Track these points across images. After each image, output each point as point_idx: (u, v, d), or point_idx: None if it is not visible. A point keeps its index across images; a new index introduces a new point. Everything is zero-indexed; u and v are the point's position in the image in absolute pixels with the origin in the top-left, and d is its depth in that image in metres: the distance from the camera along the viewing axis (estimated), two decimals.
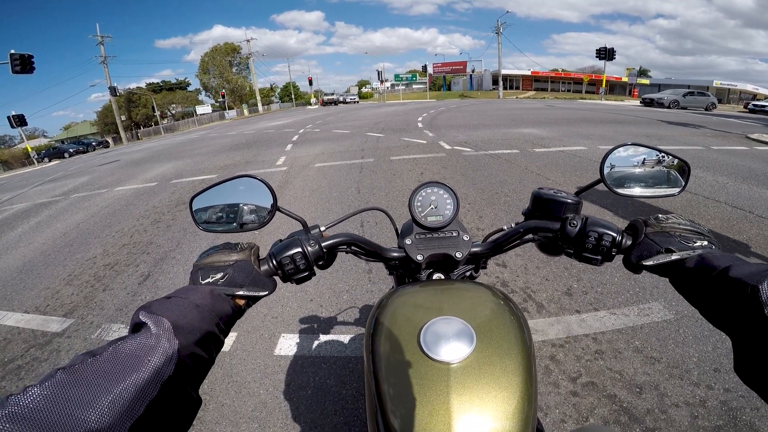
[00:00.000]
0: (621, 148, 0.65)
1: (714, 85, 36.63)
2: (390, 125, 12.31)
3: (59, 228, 4.98)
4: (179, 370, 0.36)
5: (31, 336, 2.45)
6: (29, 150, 22.45)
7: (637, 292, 2.32)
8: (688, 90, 23.32)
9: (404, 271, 0.76)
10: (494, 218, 3.71)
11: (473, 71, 52.34)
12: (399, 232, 0.76)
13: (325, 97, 52.89)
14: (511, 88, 50.00)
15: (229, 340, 2.14)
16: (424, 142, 8.47)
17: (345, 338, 2.08)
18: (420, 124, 11.95)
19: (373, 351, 0.52)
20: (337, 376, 1.82)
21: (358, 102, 43.35)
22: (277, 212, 0.64)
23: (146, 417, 0.32)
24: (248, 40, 49.16)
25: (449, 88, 56.13)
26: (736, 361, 0.39)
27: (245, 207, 0.66)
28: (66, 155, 23.80)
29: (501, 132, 9.31)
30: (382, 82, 46.83)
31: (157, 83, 56.64)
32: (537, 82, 51.36)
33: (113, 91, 32.89)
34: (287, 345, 2.07)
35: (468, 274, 0.77)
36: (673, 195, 0.66)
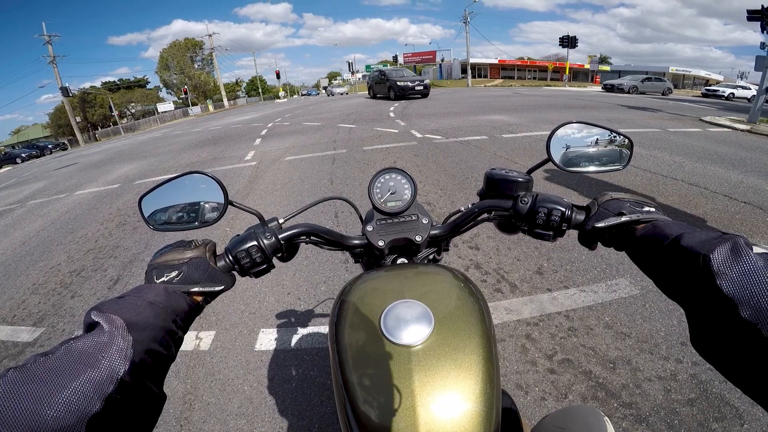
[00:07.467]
0: (564, 128, 0.69)
1: (670, 71, 38.42)
2: (362, 116, 12.19)
3: (17, 237, 4.70)
4: (136, 366, 0.36)
5: (2, 347, 2.34)
6: None
7: (604, 269, 2.43)
8: (646, 76, 24.35)
9: (369, 259, 0.76)
10: (465, 202, 3.72)
11: (443, 60, 52.49)
12: (363, 220, 0.76)
13: (392, 71, 19.40)
14: (479, 76, 50.61)
15: (208, 339, 2.10)
16: (396, 131, 8.47)
17: (325, 329, 2.07)
18: (392, 114, 11.90)
19: (337, 340, 0.51)
20: (321, 367, 1.82)
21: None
22: (236, 209, 0.63)
23: (105, 412, 0.31)
24: (210, 35, 47.34)
25: None
26: (691, 333, 0.38)
27: (199, 204, 0.65)
28: (18, 161, 22.41)
29: (470, 119, 9.43)
30: (353, 73, 46.18)
31: (114, 82, 54.04)
32: (504, 71, 52.28)
33: (65, 91, 30.77)
34: (267, 340, 2.06)
35: (431, 257, 0.78)
36: (618, 170, 0.69)
